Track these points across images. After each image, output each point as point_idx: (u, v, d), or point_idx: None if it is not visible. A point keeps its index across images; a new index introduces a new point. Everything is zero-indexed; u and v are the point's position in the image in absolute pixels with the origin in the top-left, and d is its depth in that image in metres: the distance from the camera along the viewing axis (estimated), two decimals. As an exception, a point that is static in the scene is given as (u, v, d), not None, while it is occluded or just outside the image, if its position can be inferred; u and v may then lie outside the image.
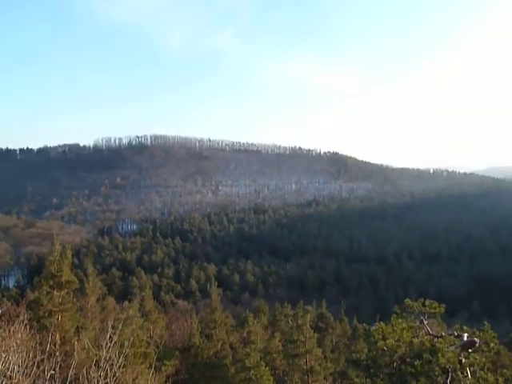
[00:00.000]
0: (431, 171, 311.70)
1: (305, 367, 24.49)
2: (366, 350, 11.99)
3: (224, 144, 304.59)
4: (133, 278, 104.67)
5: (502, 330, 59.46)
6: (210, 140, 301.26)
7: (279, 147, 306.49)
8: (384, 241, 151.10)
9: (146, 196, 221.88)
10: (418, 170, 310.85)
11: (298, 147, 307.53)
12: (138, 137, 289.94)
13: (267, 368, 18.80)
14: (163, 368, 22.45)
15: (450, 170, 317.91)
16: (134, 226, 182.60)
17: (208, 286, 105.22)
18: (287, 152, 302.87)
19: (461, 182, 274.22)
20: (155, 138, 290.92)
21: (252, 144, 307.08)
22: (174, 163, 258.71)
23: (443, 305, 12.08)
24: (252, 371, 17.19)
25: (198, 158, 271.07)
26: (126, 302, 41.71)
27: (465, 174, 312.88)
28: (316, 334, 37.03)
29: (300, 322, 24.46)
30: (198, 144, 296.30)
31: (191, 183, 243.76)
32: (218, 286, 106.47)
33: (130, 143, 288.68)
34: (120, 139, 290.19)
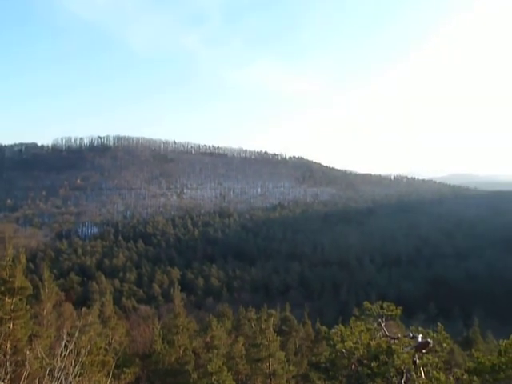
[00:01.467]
0: (392, 177, 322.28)
1: (267, 371, 24.49)
2: (325, 353, 12.17)
3: (189, 146, 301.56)
4: (93, 283, 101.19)
5: (456, 330, 62.37)
6: (175, 142, 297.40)
7: (245, 151, 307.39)
8: (347, 245, 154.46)
9: (107, 198, 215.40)
10: (379, 176, 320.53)
11: (264, 151, 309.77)
12: (100, 137, 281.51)
13: (230, 373, 18.63)
14: (122, 376, 21.80)
15: (410, 176, 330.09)
16: (95, 229, 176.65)
17: (171, 290, 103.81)
18: (253, 156, 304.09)
19: (419, 189, 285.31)
20: (118, 138, 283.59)
21: (218, 147, 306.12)
22: (138, 165, 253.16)
23: (400, 307, 12.45)
24: (214, 377, 16.98)
25: (162, 161, 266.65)
26: (85, 309, 40.22)
27: (423, 180, 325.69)
28: (279, 338, 37.23)
29: (263, 326, 24.47)
30: (162, 146, 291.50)
31: (155, 186, 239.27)
32: (181, 291, 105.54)
33: (91, 144, 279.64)
34: (81, 139, 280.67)
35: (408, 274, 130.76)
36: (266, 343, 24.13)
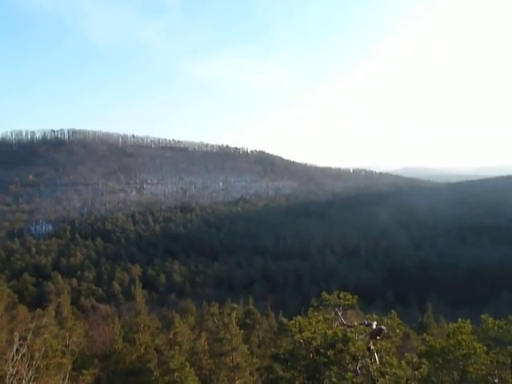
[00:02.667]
0: (351, 171, 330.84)
1: (231, 364, 24.55)
2: (284, 344, 12.39)
3: (149, 140, 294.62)
4: (48, 284, 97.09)
5: (412, 316, 65.35)
6: (133, 136, 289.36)
7: (207, 145, 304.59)
8: (308, 237, 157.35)
9: (62, 195, 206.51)
10: (339, 169, 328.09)
11: (225, 146, 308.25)
12: (53, 131, 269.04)
13: (192, 369, 18.51)
14: (81, 378, 21.13)
15: (368, 169, 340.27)
16: (50, 227, 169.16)
17: (132, 288, 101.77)
18: (215, 150, 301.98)
19: (377, 181, 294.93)
20: (73, 132, 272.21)
21: (179, 141, 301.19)
22: (95, 160, 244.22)
23: (358, 296, 12.85)
24: (176, 373, 16.80)
25: (121, 155, 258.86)
26: (40, 310, 38.53)
27: (380, 173, 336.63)
28: (243, 331, 37.43)
29: (226, 320, 24.48)
30: (120, 140, 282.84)
31: (114, 181, 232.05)
32: (143, 288, 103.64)
33: (44, 138, 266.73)
34: (33, 133, 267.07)
35: (367, 263, 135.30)
36: (229, 337, 24.17)
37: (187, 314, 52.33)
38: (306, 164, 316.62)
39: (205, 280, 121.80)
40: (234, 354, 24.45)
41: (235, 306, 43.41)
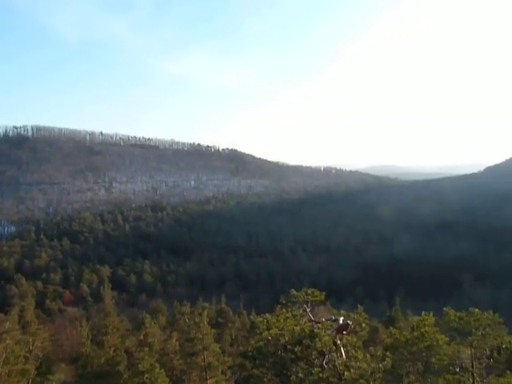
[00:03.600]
0: (322, 169, 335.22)
1: (202, 364, 24.40)
2: (253, 342, 12.46)
3: (118, 138, 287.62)
4: (11, 287, 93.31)
5: (381, 311, 67.09)
6: (102, 133, 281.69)
7: (178, 143, 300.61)
8: (280, 235, 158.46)
9: (26, 194, 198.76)
10: (310, 167, 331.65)
11: (196, 144, 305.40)
12: (16, 127, 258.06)
13: (163, 369, 18.27)
14: (45, 383, 20.44)
15: (338, 168, 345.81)
16: (12, 228, 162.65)
17: (101, 289, 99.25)
18: (186, 148, 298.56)
19: (347, 180, 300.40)
20: (38, 129, 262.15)
21: (149, 139, 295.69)
22: (61, 158, 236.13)
23: (328, 292, 13.06)
24: (146, 375, 16.52)
25: (88, 153, 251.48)
26: (2, 315, 37.02)
27: (350, 171, 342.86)
28: (215, 330, 37.29)
29: (197, 320, 24.29)
30: (88, 137, 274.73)
31: (81, 180, 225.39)
32: (112, 289, 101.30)
33: (6, 134, 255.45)
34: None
35: (338, 260, 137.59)
36: (201, 336, 24.00)
37: (158, 315, 51.71)
38: (277, 162, 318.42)
39: (176, 279, 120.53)
40: (205, 353, 24.31)
41: (206, 305, 43.22)
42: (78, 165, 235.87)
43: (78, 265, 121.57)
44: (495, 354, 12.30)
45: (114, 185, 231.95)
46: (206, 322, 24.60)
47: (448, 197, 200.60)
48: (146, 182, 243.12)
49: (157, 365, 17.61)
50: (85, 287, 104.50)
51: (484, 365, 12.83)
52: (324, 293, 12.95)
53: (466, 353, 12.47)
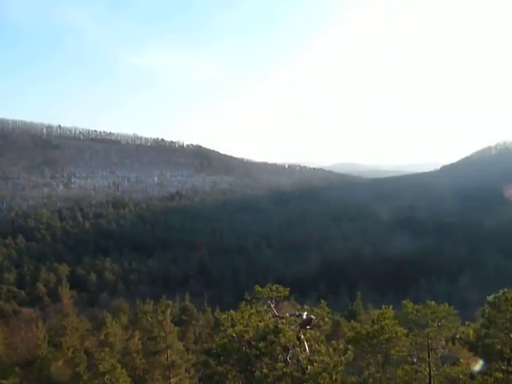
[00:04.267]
0: (286, 166, 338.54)
1: (166, 362, 24.07)
2: (217, 339, 12.43)
3: (77, 132, 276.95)
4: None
5: (343, 305, 68.85)
6: (60, 127, 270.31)
7: (141, 138, 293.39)
8: (245, 232, 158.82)
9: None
10: (275, 164, 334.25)
11: (160, 139, 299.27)
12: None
13: (124, 370, 17.84)
14: (-2, 388, 19.44)
15: (303, 165, 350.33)
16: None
17: (59, 288, 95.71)
18: (149, 144, 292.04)
19: (311, 177, 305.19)
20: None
21: (110, 133, 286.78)
22: (15, 152, 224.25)
23: (291, 288, 13.21)
24: (107, 376, 16.07)
25: (45, 147, 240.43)
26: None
27: (314, 169, 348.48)
28: (179, 328, 36.86)
29: (160, 318, 23.90)
30: (45, 131, 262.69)
31: (37, 175, 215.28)
32: (71, 288, 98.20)
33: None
34: None
35: (302, 256, 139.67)
36: (164, 335, 23.66)
37: (120, 314, 50.48)
38: (242, 159, 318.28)
39: (139, 277, 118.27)
40: (168, 351, 23.99)
41: (170, 302, 42.66)
42: (34, 159, 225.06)
43: (34, 263, 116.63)
44: (450, 345, 12.93)
45: (72, 180, 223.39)
46: (169, 320, 24.27)
47: (406, 194, 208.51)
48: (107, 177, 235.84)
49: (118, 365, 17.16)
50: (41, 287, 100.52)
51: (440, 355, 13.47)
52: (288, 288, 13.09)
53: (423, 344, 13.03)
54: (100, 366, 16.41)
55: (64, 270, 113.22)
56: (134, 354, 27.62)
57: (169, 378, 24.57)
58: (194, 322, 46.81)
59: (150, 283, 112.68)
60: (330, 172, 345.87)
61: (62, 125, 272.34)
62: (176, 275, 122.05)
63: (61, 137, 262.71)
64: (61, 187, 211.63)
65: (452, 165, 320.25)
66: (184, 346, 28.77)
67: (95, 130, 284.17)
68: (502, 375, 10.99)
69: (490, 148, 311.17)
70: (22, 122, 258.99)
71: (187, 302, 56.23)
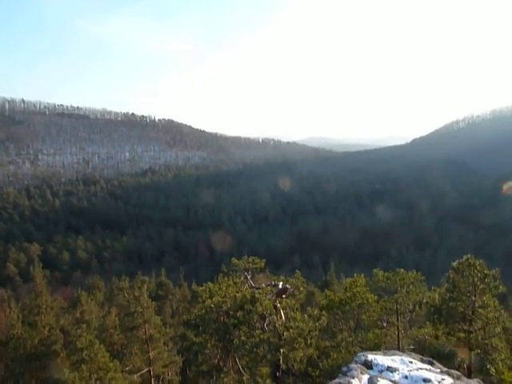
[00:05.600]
0: (260, 140, 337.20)
1: (144, 337, 24.32)
2: (195, 311, 12.73)
3: (43, 106, 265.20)
4: None
5: (317, 276, 70.92)
6: (23, 101, 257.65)
7: (110, 113, 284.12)
8: (219, 207, 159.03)
9: None
10: (249, 139, 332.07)
11: (130, 113, 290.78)
12: None
13: (102, 345, 17.97)
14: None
15: (276, 139, 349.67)
16: None
17: (31, 268, 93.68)
18: (119, 118, 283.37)
19: (285, 151, 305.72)
20: None
21: (78, 108, 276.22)
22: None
23: (265, 260, 13.55)
24: (85, 352, 16.17)
25: (8, 123, 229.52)
26: None
27: (288, 143, 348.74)
28: (156, 303, 37.09)
29: (137, 294, 23.99)
30: (8, 105, 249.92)
31: (1, 152, 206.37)
32: (43, 268, 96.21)
33: None
34: None
35: (275, 230, 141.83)
36: (141, 310, 23.79)
37: (95, 291, 50.22)
38: (215, 133, 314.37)
39: (113, 255, 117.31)
40: (146, 326, 24.20)
41: (146, 278, 42.73)
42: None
43: (2, 244, 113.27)
44: (417, 309, 13.71)
45: (39, 157, 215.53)
46: (146, 296, 24.38)
47: (377, 167, 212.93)
48: (77, 154, 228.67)
49: (96, 341, 17.27)
50: (12, 267, 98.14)
51: (408, 318, 14.30)
52: (264, 260, 13.42)
53: (392, 309, 13.76)
54: (77, 342, 16.46)
55: (35, 249, 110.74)
56: (112, 330, 27.71)
57: (147, 352, 24.90)
58: (170, 297, 47.24)
59: (124, 260, 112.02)
60: (303, 146, 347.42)
61: (25, 99, 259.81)
62: (151, 252, 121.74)
63: (25, 112, 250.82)
64: (27, 165, 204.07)
65: (422, 138, 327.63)
66: (161, 320, 29.06)
67: (61, 105, 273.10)
68: (464, 335, 11.84)
69: (458, 121, 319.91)
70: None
71: (163, 278, 56.41)
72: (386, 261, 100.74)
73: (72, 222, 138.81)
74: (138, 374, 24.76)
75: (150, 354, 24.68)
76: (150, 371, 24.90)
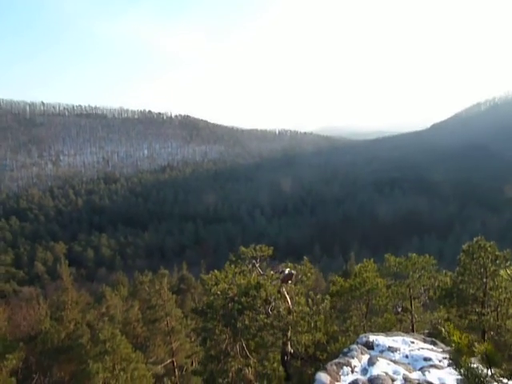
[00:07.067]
0: (277, 132, 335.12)
1: (166, 329, 24.97)
2: (204, 298, 13.07)
3: (61, 108, 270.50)
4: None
5: (337, 265, 70.68)
6: (43, 104, 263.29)
7: (127, 111, 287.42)
8: (238, 200, 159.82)
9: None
10: (265, 130, 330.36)
11: (147, 111, 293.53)
12: None
13: (124, 337, 18.56)
14: (5, 363, 20.15)
15: (293, 130, 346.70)
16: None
17: (58, 266, 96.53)
18: (136, 116, 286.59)
19: (302, 142, 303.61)
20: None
21: (96, 107, 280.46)
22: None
23: (272, 247, 13.76)
24: (107, 343, 16.75)
25: (30, 125, 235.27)
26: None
27: (305, 133, 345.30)
28: (178, 296, 37.80)
29: (157, 287, 24.59)
30: (28, 109, 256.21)
31: (24, 155, 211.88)
32: (69, 265, 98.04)
33: None
34: None
35: (295, 221, 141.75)
36: (162, 303, 24.41)
37: (119, 287, 51.43)
38: (231, 127, 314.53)
39: (135, 251, 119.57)
40: (167, 318, 24.81)
41: (166, 272, 43.55)
42: (19, 139, 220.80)
43: (29, 244, 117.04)
44: (431, 293, 13.66)
45: (61, 158, 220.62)
46: (166, 289, 24.96)
47: (396, 154, 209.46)
48: (96, 153, 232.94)
49: (118, 332, 17.84)
50: (40, 266, 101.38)
51: (422, 303, 14.26)
52: (272, 247, 13.62)
53: (405, 293, 13.76)
54: (100, 334, 17.06)
55: (61, 248, 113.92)
56: (135, 323, 28.49)
57: (170, 343, 25.57)
58: (192, 290, 48.01)
59: (147, 256, 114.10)
60: (319, 136, 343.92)
61: (44, 101, 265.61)
62: (172, 247, 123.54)
63: (44, 114, 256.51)
64: (49, 166, 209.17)
65: (442, 122, 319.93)
66: (183, 312, 29.68)
67: (80, 105, 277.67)
68: (476, 317, 11.76)
69: (479, 104, 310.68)
70: (3, 100, 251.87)
71: (185, 272, 57.37)
72: (408, 248, 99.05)
73: (95, 220, 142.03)
74: (162, 365, 25.47)
75: (173, 345, 25.33)
76: (173, 362, 25.57)
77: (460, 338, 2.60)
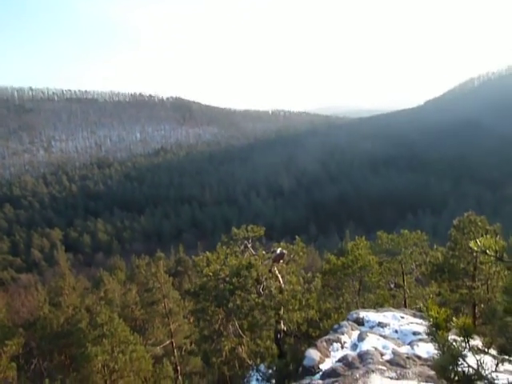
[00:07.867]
0: (270, 112, 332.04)
1: (163, 311, 25.26)
2: (197, 280, 13.20)
3: (51, 93, 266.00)
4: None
5: (333, 244, 71.37)
6: (31, 89, 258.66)
7: (118, 94, 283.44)
8: (233, 182, 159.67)
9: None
10: (258, 111, 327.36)
11: (138, 93, 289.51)
12: None
13: (122, 320, 18.76)
14: (5, 349, 20.37)
15: (287, 110, 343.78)
16: None
17: (55, 252, 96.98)
18: (127, 99, 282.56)
19: (296, 122, 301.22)
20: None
21: (86, 92, 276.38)
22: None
23: (264, 227, 13.79)
24: (105, 327, 16.94)
25: (19, 112, 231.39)
26: None
27: (299, 112, 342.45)
28: (175, 278, 38.13)
29: (154, 270, 24.76)
30: (16, 94, 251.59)
31: (15, 141, 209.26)
32: (66, 251, 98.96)
33: None
34: None
35: (291, 202, 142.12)
36: (159, 285, 24.61)
37: (117, 271, 51.75)
38: (225, 108, 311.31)
39: (132, 235, 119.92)
40: (165, 300, 25.07)
41: (163, 255, 43.80)
42: (9, 125, 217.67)
43: (25, 231, 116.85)
44: (423, 269, 13.85)
45: (53, 144, 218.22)
46: (162, 272, 25.10)
47: (391, 132, 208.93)
48: (88, 138, 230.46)
49: (115, 316, 18.02)
50: (37, 253, 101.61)
51: (414, 279, 14.48)
52: (263, 228, 13.66)
53: (397, 270, 13.95)
54: (98, 318, 17.23)
55: (57, 234, 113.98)
56: (133, 306, 28.78)
57: (168, 325, 25.92)
58: (189, 273, 48.39)
59: (144, 240, 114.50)
60: (314, 115, 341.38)
61: (33, 87, 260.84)
62: (169, 230, 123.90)
63: (34, 99, 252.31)
64: (41, 152, 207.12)
65: (435, 99, 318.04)
66: (180, 294, 29.99)
67: (69, 90, 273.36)
68: (466, 291, 11.96)
69: (472, 79, 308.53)
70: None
71: (182, 254, 57.71)
72: (403, 225, 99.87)
73: (90, 206, 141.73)
74: (161, 346, 25.87)
75: (171, 326, 25.68)
76: (172, 343, 25.96)
77: (437, 313, 2.62)
